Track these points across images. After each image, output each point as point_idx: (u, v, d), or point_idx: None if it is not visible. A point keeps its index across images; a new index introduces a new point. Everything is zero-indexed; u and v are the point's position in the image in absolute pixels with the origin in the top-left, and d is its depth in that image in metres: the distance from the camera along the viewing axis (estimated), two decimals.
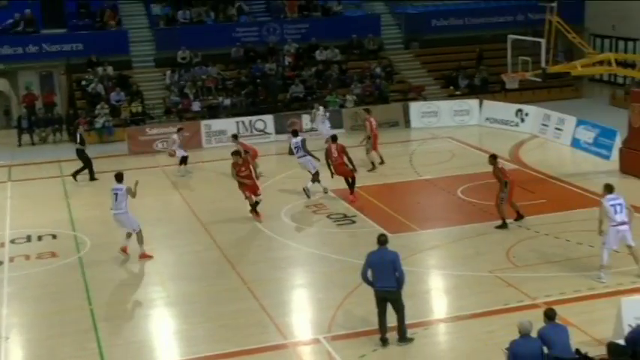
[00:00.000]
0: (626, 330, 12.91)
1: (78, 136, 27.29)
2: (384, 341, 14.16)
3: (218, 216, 22.34)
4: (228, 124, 31.69)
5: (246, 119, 31.78)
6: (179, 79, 35.34)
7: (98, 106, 33.22)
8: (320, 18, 39.44)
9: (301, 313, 16.28)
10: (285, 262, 18.49)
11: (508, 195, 20.05)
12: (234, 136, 26.07)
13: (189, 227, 21.55)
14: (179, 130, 28.03)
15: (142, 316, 16.34)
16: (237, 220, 21.83)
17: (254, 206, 21.44)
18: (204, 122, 31.91)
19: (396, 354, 14.03)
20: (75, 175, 26.73)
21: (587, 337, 13.97)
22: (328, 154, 22.89)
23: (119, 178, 19.00)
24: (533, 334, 11.79)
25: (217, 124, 31.87)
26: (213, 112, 33.90)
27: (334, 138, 23.21)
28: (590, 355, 12.15)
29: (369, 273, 14.04)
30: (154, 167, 28.38)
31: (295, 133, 24.42)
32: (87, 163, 26.84)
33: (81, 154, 26.97)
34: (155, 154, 30.22)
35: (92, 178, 26.69)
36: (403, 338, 14.21)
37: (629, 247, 16.68)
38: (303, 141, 23.71)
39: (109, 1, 37.75)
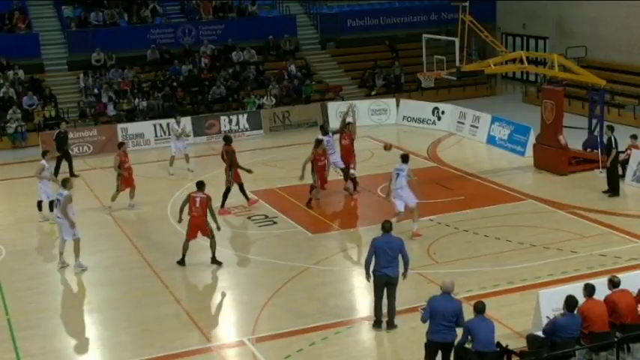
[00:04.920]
0: (545, 321, 13.23)
1: None
2: (380, 324, 14.67)
3: (138, 220, 22.06)
4: (145, 127, 31.36)
5: (163, 122, 31.38)
6: (94, 82, 34.75)
7: (10, 111, 32.41)
8: (235, 19, 39.25)
9: (225, 315, 16.21)
10: (208, 265, 18.35)
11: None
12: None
13: (108, 232, 21.20)
14: (45, 153, 22.53)
15: (62, 323, 16.00)
16: (157, 223, 21.59)
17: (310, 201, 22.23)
18: (120, 125, 31.43)
19: (322, 353, 14.08)
20: None
21: (507, 330, 14.26)
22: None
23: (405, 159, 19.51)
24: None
25: (134, 127, 31.47)
26: (130, 115, 33.45)
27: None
28: (511, 347, 12.37)
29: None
30: None
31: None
32: None
33: None
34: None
35: None
36: (392, 324, 14.67)
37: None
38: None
39: (17, 2, 36.84)
